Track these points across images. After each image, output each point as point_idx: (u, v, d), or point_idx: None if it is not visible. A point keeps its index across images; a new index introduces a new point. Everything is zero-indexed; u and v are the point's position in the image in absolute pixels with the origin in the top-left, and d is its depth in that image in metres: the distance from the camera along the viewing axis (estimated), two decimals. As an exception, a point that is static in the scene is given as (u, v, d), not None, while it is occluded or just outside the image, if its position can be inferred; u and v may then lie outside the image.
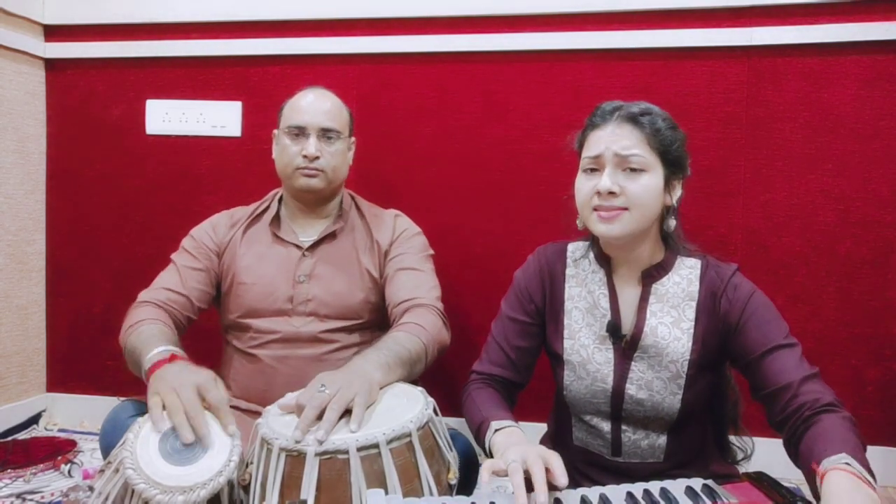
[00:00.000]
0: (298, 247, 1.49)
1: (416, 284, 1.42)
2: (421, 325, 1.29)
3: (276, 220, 1.53)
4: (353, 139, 1.57)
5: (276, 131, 1.54)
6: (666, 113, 1.10)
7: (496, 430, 1.04)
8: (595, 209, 1.07)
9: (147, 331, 1.28)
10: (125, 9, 2.11)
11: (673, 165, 1.09)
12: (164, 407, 1.04)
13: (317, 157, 1.44)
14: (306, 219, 1.52)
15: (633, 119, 1.07)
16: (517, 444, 0.97)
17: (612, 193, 1.05)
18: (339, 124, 1.49)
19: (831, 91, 1.79)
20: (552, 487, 0.88)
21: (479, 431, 1.09)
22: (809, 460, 0.89)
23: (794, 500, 0.85)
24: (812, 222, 1.82)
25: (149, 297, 1.40)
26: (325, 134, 1.46)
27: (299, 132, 1.45)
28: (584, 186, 1.10)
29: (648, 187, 1.06)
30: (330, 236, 1.50)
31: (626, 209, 1.05)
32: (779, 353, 1.03)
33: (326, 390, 1.01)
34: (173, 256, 1.50)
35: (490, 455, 1.03)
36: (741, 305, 1.08)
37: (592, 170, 1.09)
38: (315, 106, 1.47)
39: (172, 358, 1.18)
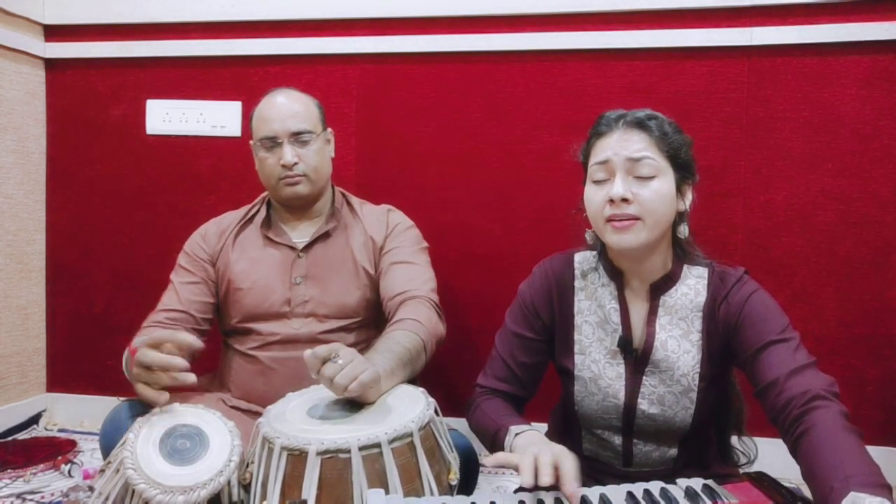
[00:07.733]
0: (292, 248, 1.48)
1: (411, 277, 1.42)
2: (417, 319, 1.28)
3: (267, 222, 1.52)
4: (329, 131, 1.53)
5: (251, 142, 1.50)
6: (671, 119, 1.09)
7: (517, 434, 1.03)
8: (609, 220, 1.04)
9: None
10: (125, 9, 2.11)
11: (682, 170, 1.07)
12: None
13: (295, 164, 1.41)
14: (298, 220, 1.51)
15: (640, 123, 1.05)
16: (537, 444, 0.96)
17: (625, 200, 1.01)
18: (310, 123, 1.45)
19: (831, 91, 1.79)
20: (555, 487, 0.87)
21: (496, 438, 1.07)
22: (819, 494, 0.84)
23: (794, 500, 0.85)
24: (812, 222, 1.82)
25: (150, 322, 1.40)
26: (298, 137, 1.42)
27: (272, 143, 1.42)
28: (594, 197, 1.06)
29: (661, 192, 1.03)
30: (324, 236, 1.49)
31: (639, 218, 1.02)
32: (771, 348, 1.01)
33: (339, 360, 1.01)
34: (171, 276, 1.50)
35: None
36: (739, 307, 1.06)
37: (602, 180, 1.05)
38: (281, 111, 1.43)
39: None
